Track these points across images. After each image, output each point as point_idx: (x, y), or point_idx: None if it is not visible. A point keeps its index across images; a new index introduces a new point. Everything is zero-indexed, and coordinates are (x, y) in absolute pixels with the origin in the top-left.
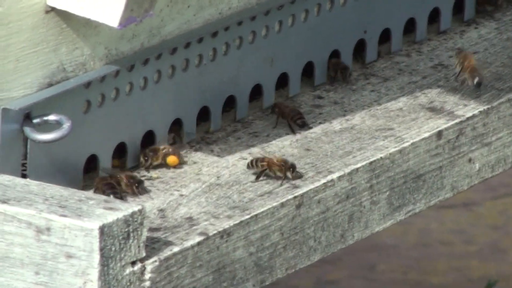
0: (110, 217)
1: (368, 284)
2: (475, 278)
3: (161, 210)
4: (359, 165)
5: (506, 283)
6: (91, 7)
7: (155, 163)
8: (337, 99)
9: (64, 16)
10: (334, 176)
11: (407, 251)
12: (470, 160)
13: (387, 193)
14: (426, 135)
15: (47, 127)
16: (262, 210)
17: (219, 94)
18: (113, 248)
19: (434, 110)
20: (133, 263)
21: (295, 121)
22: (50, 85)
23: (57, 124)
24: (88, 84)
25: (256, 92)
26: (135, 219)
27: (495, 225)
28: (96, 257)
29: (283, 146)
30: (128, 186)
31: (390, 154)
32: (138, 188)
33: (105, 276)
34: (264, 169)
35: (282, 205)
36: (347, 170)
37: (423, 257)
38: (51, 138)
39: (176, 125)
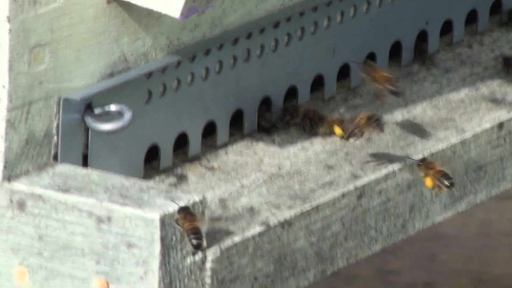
0: (171, 207)
1: (429, 274)
2: None
3: (222, 200)
4: (420, 156)
5: None
6: None
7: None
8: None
9: (126, 6)
10: (396, 167)
11: (468, 242)
12: None
13: None
14: (488, 126)
15: (108, 117)
16: (323, 200)
17: (281, 84)
18: (174, 238)
19: (496, 101)
20: (194, 253)
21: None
22: (111, 75)
23: (118, 114)
24: (149, 75)
25: (318, 82)
26: (197, 209)
27: None
28: (157, 246)
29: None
30: None
31: (451, 145)
32: None
33: (166, 265)
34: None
35: (343, 195)
36: (409, 161)
37: (484, 248)
38: (112, 128)
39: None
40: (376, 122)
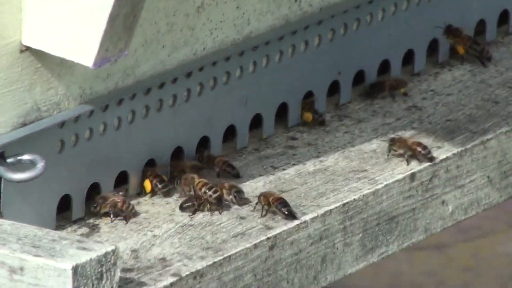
0: (84, 257)
1: None
2: None
3: (134, 251)
4: (332, 206)
5: None
6: (66, 46)
7: (103, 210)
8: (310, 141)
9: (39, 55)
10: (308, 217)
11: None
12: (443, 202)
13: (360, 235)
14: (400, 177)
15: (21, 166)
16: (235, 251)
17: (193, 134)
18: None
19: None
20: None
21: None
22: (24, 124)
23: (31, 164)
24: (62, 124)
25: (230, 132)
26: (109, 260)
27: (467, 267)
28: None
29: (256, 187)
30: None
31: (363, 195)
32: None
33: None
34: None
35: (255, 246)
36: (321, 211)
37: None
38: (25, 178)
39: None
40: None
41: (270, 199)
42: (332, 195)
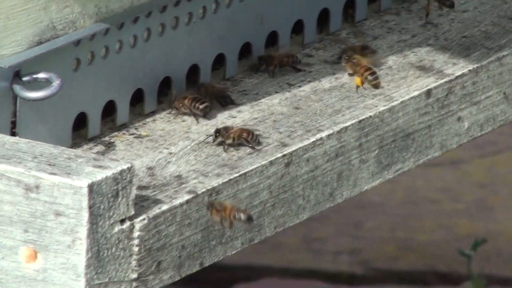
0: (99, 175)
1: (355, 241)
2: (462, 236)
3: (150, 168)
4: (348, 123)
5: (494, 241)
6: None
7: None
8: (326, 57)
9: None
10: (323, 134)
11: (394, 209)
12: (459, 118)
13: (376, 151)
14: (416, 93)
15: (36, 85)
16: (251, 168)
17: (208, 52)
18: (102, 206)
19: (424, 68)
20: (122, 221)
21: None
22: (40, 43)
23: (47, 82)
24: (78, 42)
25: (246, 50)
26: (124, 177)
27: (482, 183)
28: (85, 215)
29: (272, 104)
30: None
31: (379, 112)
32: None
33: (94, 234)
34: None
35: (271, 163)
36: (336, 128)
37: (410, 215)
38: (40, 96)
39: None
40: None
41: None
42: (347, 112)
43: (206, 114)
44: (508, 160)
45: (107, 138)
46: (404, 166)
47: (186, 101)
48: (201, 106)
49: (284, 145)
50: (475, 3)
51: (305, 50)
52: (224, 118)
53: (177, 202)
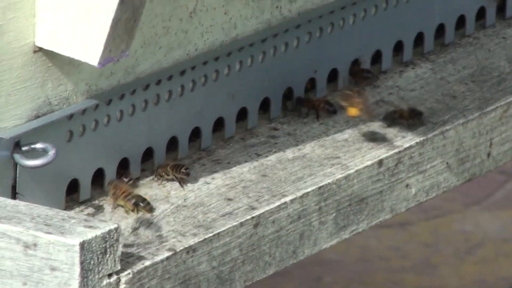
0: (90, 234)
1: None
2: None
3: (134, 229)
4: (309, 189)
5: None
6: (74, 47)
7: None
8: (290, 131)
9: (50, 55)
10: (287, 199)
11: (349, 266)
12: (407, 185)
13: (334, 214)
14: (369, 163)
15: (34, 154)
16: (223, 229)
17: (186, 125)
18: (92, 262)
19: (376, 141)
20: (110, 275)
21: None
22: (37, 117)
23: (43, 152)
24: (70, 116)
25: (219, 124)
26: (112, 236)
27: (427, 243)
28: (77, 269)
29: (242, 172)
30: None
31: (336, 179)
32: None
33: (85, 286)
34: None
35: (241, 224)
36: (299, 194)
37: (364, 271)
38: (38, 164)
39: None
40: (182, 171)
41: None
42: (309, 179)
43: (189, 175)
44: (450, 222)
45: (96, 202)
46: (359, 227)
47: (168, 168)
48: (184, 170)
49: (253, 208)
50: (422, 83)
51: (271, 124)
52: (199, 185)
53: (158, 258)
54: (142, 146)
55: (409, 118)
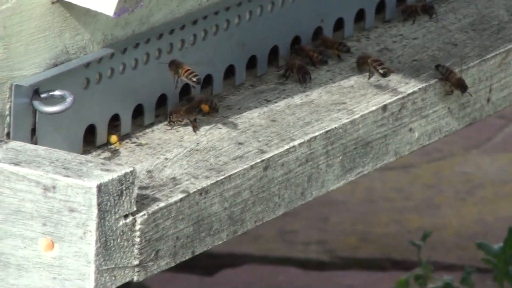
0: (106, 177)
1: (322, 233)
2: (413, 229)
3: (149, 172)
4: (316, 133)
5: (439, 233)
6: None
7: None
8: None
9: (68, 6)
10: (296, 143)
11: (355, 206)
12: (410, 129)
13: (340, 157)
14: (373, 108)
15: (52, 101)
16: (234, 171)
17: (199, 73)
18: (109, 204)
19: (380, 87)
20: (126, 216)
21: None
22: (55, 65)
23: (61, 98)
24: (87, 65)
25: (230, 71)
26: (128, 179)
27: (430, 184)
28: (94, 211)
29: (252, 117)
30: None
31: (343, 124)
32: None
33: (102, 227)
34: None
35: (252, 167)
36: (307, 138)
37: (369, 212)
38: (56, 110)
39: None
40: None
41: None
42: (316, 124)
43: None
44: (452, 165)
45: (112, 146)
46: (364, 170)
47: (182, 112)
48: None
49: (263, 152)
50: (424, 31)
51: (280, 71)
52: (211, 129)
53: (172, 200)
54: (156, 93)
55: (421, 12)
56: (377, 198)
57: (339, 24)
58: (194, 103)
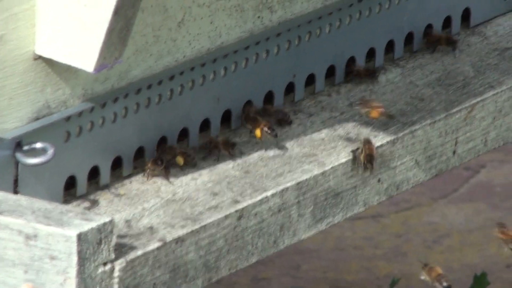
0: (86, 226)
1: (294, 281)
2: (382, 276)
3: (127, 221)
4: (288, 184)
5: (407, 280)
6: (71, 55)
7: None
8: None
9: (49, 62)
10: (269, 193)
11: (326, 254)
12: (379, 180)
13: (312, 207)
14: (344, 160)
15: (34, 153)
16: (209, 221)
17: (175, 126)
18: (88, 251)
19: (350, 140)
20: (105, 264)
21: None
22: (37, 118)
23: (43, 151)
24: (68, 118)
25: (205, 125)
26: (106, 228)
27: (398, 233)
28: (74, 258)
29: (226, 168)
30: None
31: (314, 175)
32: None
33: (81, 274)
34: None
35: (226, 217)
36: (279, 188)
37: (339, 259)
38: (37, 162)
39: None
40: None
41: None
42: (288, 175)
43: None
44: (419, 215)
45: (92, 196)
46: (334, 219)
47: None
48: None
49: (237, 202)
50: (392, 87)
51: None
52: (187, 180)
53: (149, 248)
54: (134, 146)
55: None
56: (347, 247)
57: (310, 79)
58: (168, 153)
